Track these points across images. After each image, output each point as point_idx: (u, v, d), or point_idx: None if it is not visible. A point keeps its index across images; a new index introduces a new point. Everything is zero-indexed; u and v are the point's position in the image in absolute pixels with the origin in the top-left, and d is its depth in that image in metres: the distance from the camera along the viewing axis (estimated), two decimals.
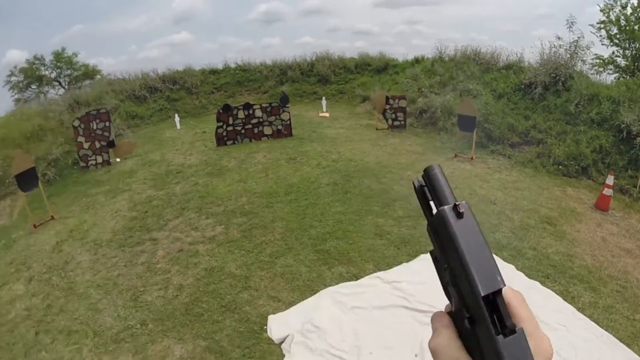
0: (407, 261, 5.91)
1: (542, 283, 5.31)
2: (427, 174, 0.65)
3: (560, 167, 9.75)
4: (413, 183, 0.67)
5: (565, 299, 5.04)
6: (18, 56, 35.34)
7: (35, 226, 8.67)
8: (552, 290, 5.18)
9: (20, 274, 7.00)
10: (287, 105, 13.41)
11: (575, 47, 12.53)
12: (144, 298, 5.86)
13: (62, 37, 59.22)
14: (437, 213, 0.58)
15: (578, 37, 12.57)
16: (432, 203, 0.62)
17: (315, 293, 5.50)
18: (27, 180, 8.62)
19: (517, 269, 5.53)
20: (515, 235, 6.70)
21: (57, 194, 10.61)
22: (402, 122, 13.64)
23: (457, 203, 0.56)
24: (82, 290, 6.23)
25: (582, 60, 12.78)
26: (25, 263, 7.33)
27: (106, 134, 12.45)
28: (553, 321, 4.42)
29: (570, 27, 12.54)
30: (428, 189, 0.64)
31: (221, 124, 13.07)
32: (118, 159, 12.58)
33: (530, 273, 5.57)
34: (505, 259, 5.80)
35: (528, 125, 11.27)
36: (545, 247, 6.39)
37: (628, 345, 4.41)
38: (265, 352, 4.67)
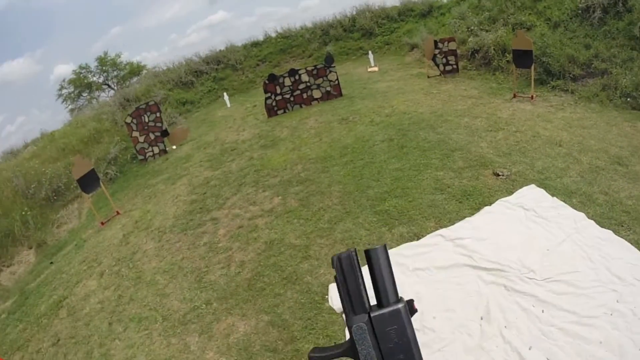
0: (470, 215, 5.63)
1: (616, 232, 4.80)
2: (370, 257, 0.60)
3: (628, 99, 8.80)
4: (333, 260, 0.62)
5: None
6: (65, 70, 36.97)
7: (102, 223, 9.06)
8: (626, 239, 4.68)
9: (92, 270, 7.35)
10: (333, 65, 13.15)
11: None
12: (208, 278, 5.99)
13: (103, 42, 61.24)
14: (391, 311, 0.54)
15: None
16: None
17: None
18: (88, 182, 9.07)
19: (588, 217, 5.10)
20: (584, 179, 6.17)
21: (120, 190, 11.08)
22: (455, 66, 13.06)
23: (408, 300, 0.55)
24: (150, 278, 6.46)
25: None
26: (96, 259, 7.68)
27: (159, 124, 12.71)
28: (629, 275, 4.01)
29: None
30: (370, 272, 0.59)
31: (269, 94, 13.01)
32: (174, 147, 12.87)
33: (602, 221, 5.07)
34: (574, 206, 5.35)
35: (590, 55, 10.27)
36: (617, 190, 5.81)
37: None
38: (327, 323, 4.64)
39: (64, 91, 29.98)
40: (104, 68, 30.34)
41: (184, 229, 7.56)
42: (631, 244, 4.59)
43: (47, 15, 54.27)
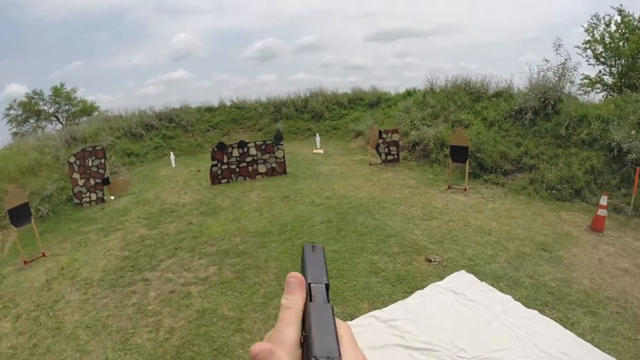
0: (403, 298, 5.79)
1: (541, 311, 5.20)
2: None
3: (553, 191, 9.76)
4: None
5: (565, 326, 4.93)
6: (18, 90, 35.93)
7: (25, 262, 8.56)
8: (551, 318, 5.09)
9: (7, 311, 6.87)
10: (281, 143, 13.46)
11: (563, 69, 12.71)
12: (134, 340, 5.69)
13: (62, 73, 60.05)
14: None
15: (565, 59, 12.76)
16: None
17: None
18: (19, 215, 8.58)
19: (515, 299, 5.43)
20: (511, 264, 6.63)
21: (49, 231, 10.53)
22: (395, 156, 13.70)
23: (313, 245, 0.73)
24: (71, 331, 6.07)
25: (570, 81, 12.92)
26: (14, 300, 7.20)
27: (101, 171, 12.42)
28: (554, 350, 4.32)
29: (557, 49, 12.76)
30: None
31: (216, 162, 13.08)
32: (112, 197, 12.52)
33: (528, 302, 5.47)
34: (502, 290, 5.71)
35: (520, 152, 11.33)
36: (542, 274, 6.32)
37: None
38: None
39: (11, 112, 28.95)
40: (57, 99, 29.63)
41: (112, 285, 7.27)
42: (556, 321, 4.99)
43: (16, 29, 53.21)
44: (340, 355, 0.57)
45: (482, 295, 5.49)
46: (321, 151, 17.01)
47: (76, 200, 12.25)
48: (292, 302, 0.64)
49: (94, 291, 7.13)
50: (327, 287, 0.67)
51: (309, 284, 0.67)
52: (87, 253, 8.74)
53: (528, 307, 5.23)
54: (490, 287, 5.72)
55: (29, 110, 29.10)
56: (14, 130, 28.93)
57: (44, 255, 8.86)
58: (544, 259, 6.77)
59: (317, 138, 17.89)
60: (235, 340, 5.52)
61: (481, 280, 5.91)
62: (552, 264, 6.62)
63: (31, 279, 7.89)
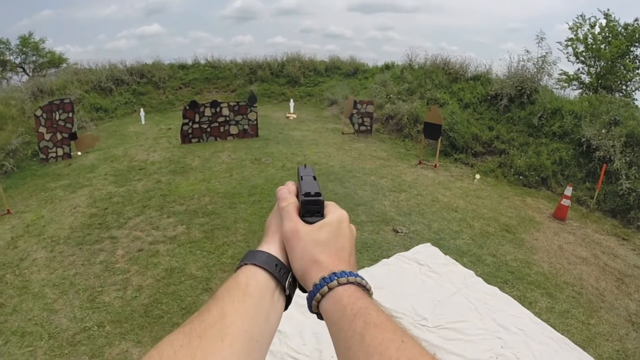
0: (369, 266, 5.91)
1: (501, 289, 5.41)
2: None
3: (520, 177, 10.04)
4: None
5: (522, 304, 5.13)
6: None
7: None
8: (510, 295, 5.30)
9: None
10: (254, 105, 13.36)
11: (543, 62, 12.95)
12: (102, 299, 5.68)
13: (30, 21, 57.78)
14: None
15: (546, 53, 13.03)
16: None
17: None
18: None
19: (477, 275, 5.62)
20: (475, 242, 6.84)
21: (14, 187, 10.30)
22: (369, 128, 13.77)
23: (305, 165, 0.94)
24: (37, 290, 6.00)
25: (548, 74, 13.20)
26: None
27: (69, 125, 12.11)
28: (512, 325, 4.52)
29: (539, 42, 13.03)
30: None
31: (187, 121, 12.92)
32: (79, 153, 12.28)
33: (489, 279, 5.68)
34: (465, 265, 5.90)
35: (492, 136, 11.57)
36: (504, 254, 6.56)
37: (583, 348, 4.52)
38: None
39: None
40: (24, 49, 28.46)
41: (79, 242, 7.19)
42: (514, 299, 5.20)
43: None
44: (321, 193, 0.78)
45: (446, 268, 5.66)
46: (294, 116, 17.01)
47: (42, 156, 11.94)
48: (288, 200, 0.81)
49: (61, 249, 7.05)
50: (319, 194, 0.78)
51: (301, 176, 0.87)
52: (54, 210, 8.61)
53: (489, 284, 5.43)
54: (454, 261, 5.91)
55: None
56: None
57: (8, 212, 8.67)
58: (507, 240, 7.01)
59: (291, 103, 17.86)
60: (203, 299, 5.55)
61: (445, 254, 6.08)
62: (514, 245, 6.86)
63: None
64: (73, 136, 11.92)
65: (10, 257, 6.97)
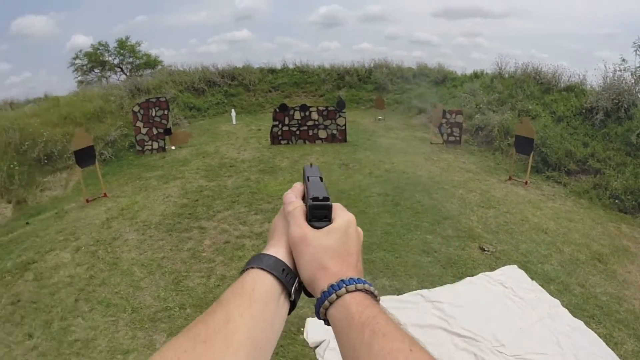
0: (452, 282, 5.80)
1: (587, 323, 5.05)
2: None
3: (616, 201, 9.20)
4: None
5: (608, 344, 4.77)
6: (83, 41, 37.19)
7: (87, 201, 9.05)
8: (595, 332, 4.94)
9: (68, 243, 7.26)
10: (343, 111, 13.47)
11: None
12: (186, 283, 5.93)
13: (126, 26, 61.54)
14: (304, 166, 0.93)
15: None
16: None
17: None
18: (84, 157, 9.04)
19: (563, 305, 5.33)
20: (564, 269, 6.43)
21: (111, 174, 11.05)
22: (458, 138, 13.45)
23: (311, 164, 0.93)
24: (126, 267, 6.40)
25: None
26: (75, 234, 7.61)
27: (164, 121, 12.85)
28: None
29: (636, 50, 12.12)
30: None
31: (277, 123, 13.27)
32: (173, 147, 12.98)
33: (575, 311, 5.31)
34: (551, 293, 5.58)
35: (586, 153, 10.76)
36: (593, 285, 6.08)
37: None
38: (298, 354, 4.64)
39: (77, 61, 29.88)
40: (121, 51, 30.37)
41: (169, 229, 7.55)
42: (600, 337, 4.84)
43: None
44: (329, 197, 0.77)
45: (531, 294, 5.44)
46: (383, 120, 17.19)
47: (138, 147, 12.78)
48: (295, 204, 0.80)
49: (152, 233, 7.45)
50: (327, 199, 0.78)
51: (307, 177, 0.86)
52: (147, 197, 9.11)
53: (574, 316, 5.13)
54: (540, 287, 5.65)
55: (94, 61, 29.89)
56: (79, 78, 29.93)
57: (105, 195, 9.30)
58: (597, 270, 6.51)
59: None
60: None
61: (532, 278, 5.84)
62: (605, 277, 6.34)
63: (92, 216, 8.31)
64: (168, 132, 12.61)
65: (104, 235, 7.45)
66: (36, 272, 6.41)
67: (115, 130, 13.31)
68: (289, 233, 0.76)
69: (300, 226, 0.75)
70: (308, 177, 0.86)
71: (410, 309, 5.15)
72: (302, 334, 4.89)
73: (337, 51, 52.00)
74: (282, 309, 0.70)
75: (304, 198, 0.83)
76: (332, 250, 0.72)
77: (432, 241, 7.03)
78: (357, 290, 0.67)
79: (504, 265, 6.25)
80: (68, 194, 10.20)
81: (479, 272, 6.00)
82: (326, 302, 0.66)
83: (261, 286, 0.68)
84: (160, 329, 5.05)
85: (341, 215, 0.78)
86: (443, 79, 20.62)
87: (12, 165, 10.17)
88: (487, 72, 18.41)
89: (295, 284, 0.73)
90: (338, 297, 0.65)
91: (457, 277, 5.96)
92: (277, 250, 0.75)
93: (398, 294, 5.57)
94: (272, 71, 22.93)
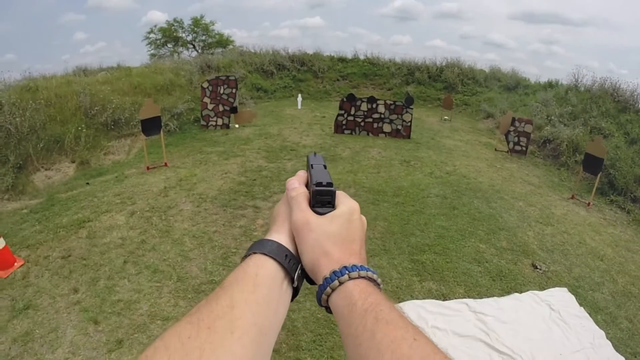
0: (499, 295, 5.66)
1: None
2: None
3: None
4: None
5: None
6: (158, 17, 38.54)
7: (148, 168, 9.41)
8: None
9: (124, 207, 7.54)
10: (410, 107, 13.33)
11: None
12: (234, 259, 6.03)
13: (202, 5, 62.99)
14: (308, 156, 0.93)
15: None
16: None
17: (400, 301, 5.36)
18: (150, 126, 9.35)
19: (607, 337, 5.12)
20: (615, 300, 6.15)
21: (174, 145, 11.39)
22: (524, 148, 13.02)
23: (315, 153, 0.94)
24: (178, 236, 6.57)
25: None
26: (132, 198, 7.90)
27: (231, 99, 13.10)
28: None
29: None
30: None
31: (343, 112, 13.30)
32: (237, 125, 13.27)
33: (619, 346, 5.07)
34: (598, 323, 5.31)
35: None
36: None
37: None
38: (335, 345, 4.66)
39: (151, 35, 31.24)
40: (195, 29, 31.31)
41: (224, 205, 7.70)
42: None
43: None
44: (333, 183, 0.77)
45: (577, 320, 5.25)
46: (449, 120, 17.01)
47: (203, 122, 13.13)
48: (298, 190, 0.80)
49: (206, 206, 7.62)
50: (331, 184, 0.78)
51: (311, 164, 0.87)
52: (206, 171, 9.33)
53: (617, 351, 4.92)
54: (587, 315, 5.44)
55: (168, 36, 31.10)
56: (152, 52, 31.28)
57: (166, 165, 9.62)
58: None
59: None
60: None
61: (580, 305, 5.63)
62: None
63: (150, 184, 8.61)
64: (234, 110, 12.88)
65: (160, 203, 7.71)
66: (90, 231, 6.68)
67: (182, 103, 13.71)
68: (291, 218, 0.76)
69: (304, 211, 0.75)
70: (312, 165, 0.86)
71: (453, 316, 5.07)
72: None
73: (409, 45, 51.56)
74: (285, 295, 0.70)
75: (307, 186, 0.83)
76: (335, 236, 0.72)
77: (485, 251, 6.90)
78: (360, 277, 0.66)
79: (554, 286, 6.02)
80: (130, 159, 10.58)
81: (528, 290, 5.82)
82: (328, 289, 0.66)
83: (264, 271, 0.68)
84: None
85: (345, 202, 0.78)
86: (515, 85, 20.00)
87: (80, 128, 10.58)
88: (562, 83, 17.86)
89: (298, 270, 0.73)
90: (340, 283, 0.65)
91: (505, 292, 5.83)
92: (279, 236, 0.75)
93: (443, 299, 5.50)
94: (342, 60, 22.96)
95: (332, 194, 0.77)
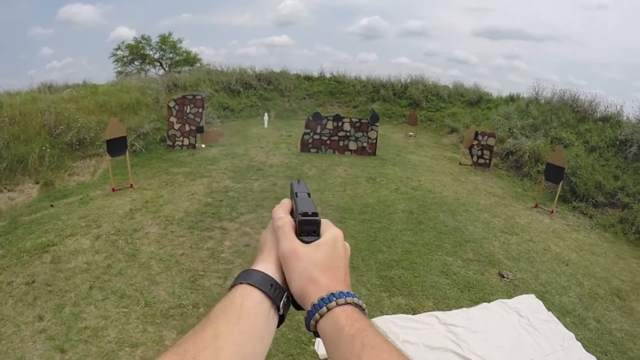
0: (468, 306, 5.72)
1: (599, 359, 4.98)
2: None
3: None
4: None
5: None
6: (126, 33, 38.42)
7: (113, 190, 9.22)
8: None
9: (89, 230, 7.37)
10: (376, 124, 13.49)
11: None
12: (202, 282, 5.94)
13: (170, 22, 63.05)
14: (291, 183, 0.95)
15: None
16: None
17: (370, 318, 5.33)
18: (116, 146, 9.20)
19: (577, 339, 5.23)
20: (582, 302, 6.32)
21: (140, 165, 11.26)
22: (487, 161, 13.31)
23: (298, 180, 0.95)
24: (144, 260, 6.44)
25: None
26: (97, 221, 7.73)
27: (197, 119, 13.06)
28: None
29: None
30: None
31: (309, 131, 13.35)
32: (203, 145, 13.17)
33: (589, 346, 5.20)
34: (567, 326, 5.46)
35: (616, 186, 10.57)
36: (610, 321, 5.97)
37: None
38: None
39: (119, 52, 30.68)
40: (162, 47, 31.10)
41: (191, 226, 7.61)
42: None
43: None
44: (317, 213, 0.79)
45: (546, 325, 5.35)
46: (413, 136, 17.31)
47: (169, 142, 13.02)
48: (284, 220, 0.81)
49: (173, 228, 7.51)
50: (315, 214, 0.79)
51: (296, 192, 0.88)
52: (173, 192, 9.23)
53: (587, 351, 5.03)
54: (556, 319, 5.55)
55: (135, 53, 30.66)
56: (119, 69, 30.73)
57: (131, 186, 9.48)
58: (615, 306, 6.40)
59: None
60: None
61: (548, 309, 5.74)
62: (623, 314, 6.23)
63: (116, 206, 8.44)
64: (200, 129, 12.83)
65: (126, 225, 7.55)
66: (54, 255, 6.50)
67: (148, 123, 13.56)
68: (279, 247, 0.77)
69: (291, 240, 0.76)
70: (296, 193, 0.88)
71: (423, 329, 5.10)
72: (313, 344, 4.87)
73: (375, 63, 52.01)
74: (271, 323, 0.72)
75: (292, 214, 0.85)
76: (322, 264, 0.74)
77: (452, 263, 6.98)
78: (346, 303, 0.68)
79: (521, 293, 6.15)
80: (95, 181, 10.37)
81: (496, 299, 5.92)
82: (317, 315, 0.68)
83: (249, 302, 0.69)
84: (172, 325, 5.08)
85: (329, 230, 0.80)
86: (478, 100, 20.42)
87: (44, 147, 10.34)
88: (523, 96, 18.30)
89: (284, 299, 0.74)
90: (328, 310, 0.67)
91: (474, 302, 5.89)
92: (265, 265, 0.77)
93: (413, 314, 5.53)
94: (309, 78, 23.23)
95: (317, 224, 0.78)
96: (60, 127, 11.22)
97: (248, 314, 0.67)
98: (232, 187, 9.66)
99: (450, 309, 5.64)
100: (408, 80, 22.71)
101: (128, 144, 10.01)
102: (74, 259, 6.42)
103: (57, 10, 52.74)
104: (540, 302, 5.89)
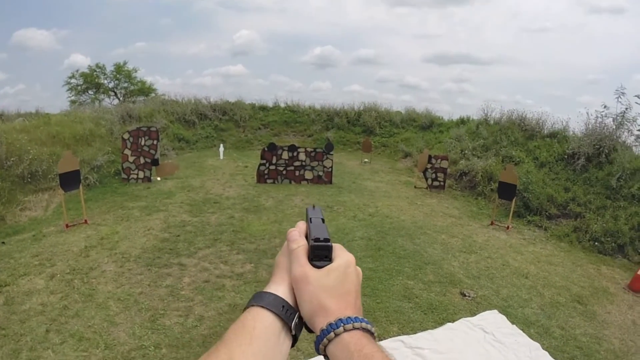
0: (433, 328, 5.72)
1: None
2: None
3: (596, 243, 9.37)
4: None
5: None
6: (81, 60, 38.04)
7: (67, 226, 8.89)
8: None
9: (43, 269, 7.07)
10: (331, 153, 13.61)
11: (622, 119, 12.17)
12: (163, 322, 5.76)
13: (126, 51, 62.55)
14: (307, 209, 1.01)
15: (626, 108, 12.16)
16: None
17: None
18: (69, 180, 8.92)
19: (543, 348, 5.32)
20: (544, 312, 6.47)
21: (94, 200, 10.92)
22: (442, 183, 13.59)
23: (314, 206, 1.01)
24: (102, 300, 6.21)
25: (628, 130, 12.34)
26: (51, 259, 7.42)
27: (152, 151, 12.87)
28: None
29: (618, 98, 12.20)
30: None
31: (264, 161, 13.33)
32: (159, 178, 12.97)
33: (556, 353, 5.32)
34: (531, 336, 5.53)
35: (567, 198, 10.98)
36: (573, 327, 6.14)
37: None
38: None
39: (73, 81, 30.35)
40: (117, 76, 30.87)
41: (149, 264, 7.40)
42: None
43: (85, 1, 55.61)
44: (329, 239, 0.81)
45: (511, 338, 5.40)
46: (368, 162, 17.48)
47: (124, 175, 12.75)
48: (298, 243, 0.82)
49: (130, 266, 7.28)
50: (328, 240, 0.81)
51: (310, 218, 0.92)
52: (128, 228, 8.98)
53: (555, 359, 5.12)
54: (520, 331, 5.62)
55: (90, 82, 30.37)
56: (72, 98, 30.35)
57: (86, 222, 9.17)
58: (577, 312, 6.59)
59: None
60: None
61: (512, 323, 5.80)
62: (585, 318, 6.43)
63: (70, 243, 8.14)
64: (155, 162, 12.63)
65: (81, 264, 7.29)
66: (7, 297, 6.21)
67: (102, 155, 13.22)
68: (291, 271, 0.79)
69: (302, 265, 0.78)
70: (310, 219, 0.91)
71: (390, 355, 5.06)
72: None
73: (328, 91, 53.14)
74: (283, 344, 0.73)
75: (306, 236, 0.86)
76: (332, 289, 0.76)
77: (414, 287, 6.99)
78: (354, 329, 0.70)
79: (484, 310, 6.18)
80: (48, 216, 10.00)
81: (460, 317, 5.91)
82: (325, 340, 0.69)
83: (261, 324, 0.71)
84: None
85: (341, 255, 0.81)
86: (430, 124, 20.96)
87: None
88: (473, 118, 18.86)
89: (296, 319, 0.76)
90: (336, 335, 0.69)
91: (438, 323, 5.88)
92: (277, 287, 0.79)
93: (378, 340, 5.46)
94: (264, 108, 23.36)
95: (329, 249, 0.81)
96: (12, 159, 10.79)
97: (260, 336, 0.69)
98: (189, 221, 9.49)
99: (416, 332, 5.61)
100: (361, 108, 23.12)
101: (82, 178, 9.76)
102: (29, 300, 6.14)
103: (11, 34, 51.87)
104: (504, 317, 5.94)
